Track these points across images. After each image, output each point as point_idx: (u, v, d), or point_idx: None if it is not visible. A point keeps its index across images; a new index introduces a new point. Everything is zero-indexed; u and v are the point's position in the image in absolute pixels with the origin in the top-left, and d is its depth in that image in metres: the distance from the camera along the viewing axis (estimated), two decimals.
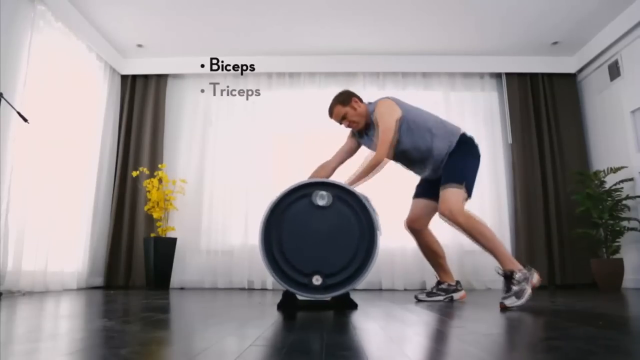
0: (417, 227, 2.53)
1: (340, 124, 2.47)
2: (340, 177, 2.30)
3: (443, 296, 2.51)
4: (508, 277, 2.04)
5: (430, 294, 2.55)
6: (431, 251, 2.56)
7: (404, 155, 2.42)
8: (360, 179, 2.27)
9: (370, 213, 1.98)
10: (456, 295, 2.53)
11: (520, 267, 2.08)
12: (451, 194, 2.23)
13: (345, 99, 2.43)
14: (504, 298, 1.99)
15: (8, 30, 3.03)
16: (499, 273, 2.10)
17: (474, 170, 2.33)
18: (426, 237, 2.54)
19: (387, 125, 2.28)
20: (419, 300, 2.52)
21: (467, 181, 2.26)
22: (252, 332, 1.34)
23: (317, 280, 1.91)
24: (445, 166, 2.33)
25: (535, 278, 2.05)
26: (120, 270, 4.17)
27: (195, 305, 2.43)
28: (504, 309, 1.95)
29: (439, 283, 2.56)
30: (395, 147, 2.37)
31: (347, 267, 1.94)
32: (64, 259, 3.50)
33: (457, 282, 2.58)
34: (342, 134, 2.58)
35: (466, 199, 2.27)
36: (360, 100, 2.46)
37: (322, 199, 1.98)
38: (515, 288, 2.00)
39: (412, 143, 2.35)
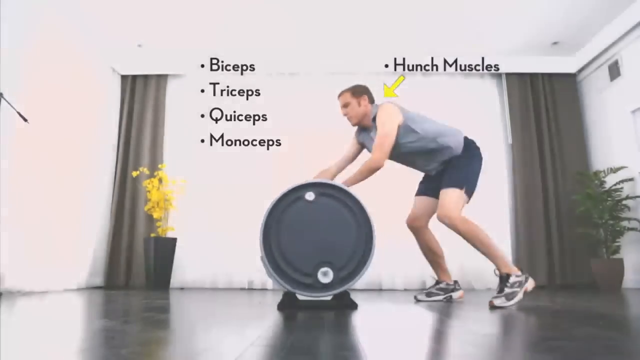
0: (417, 225, 2.54)
1: (341, 108, 2.51)
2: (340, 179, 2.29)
3: (442, 295, 2.53)
4: (503, 279, 2.15)
5: (429, 294, 2.56)
6: (430, 250, 2.57)
7: (407, 155, 2.43)
8: (357, 181, 2.28)
9: (357, 200, 1.99)
10: (455, 295, 2.55)
11: (517, 272, 2.17)
12: (451, 198, 2.26)
13: (357, 92, 2.47)
14: (495, 297, 2.10)
15: (8, 30, 3.02)
16: (496, 274, 2.22)
17: (478, 174, 2.38)
18: (426, 236, 2.55)
19: (386, 131, 2.30)
20: (418, 301, 2.53)
21: (468, 185, 2.30)
22: (252, 332, 1.34)
23: (329, 276, 1.92)
24: (449, 168, 2.36)
25: (530, 284, 2.17)
26: (120, 270, 4.16)
27: (195, 305, 2.43)
28: (492, 307, 2.06)
29: (437, 282, 2.58)
30: (397, 148, 2.38)
31: (354, 255, 1.95)
32: (64, 259, 3.49)
33: (455, 282, 2.60)
34: (342, 133, 2.58)
35: (466, 202, 2.32)
36: (371, 101, 2.49)
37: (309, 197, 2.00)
38: (507, 290, 2.11)
39: (416, 145, 2.37)
